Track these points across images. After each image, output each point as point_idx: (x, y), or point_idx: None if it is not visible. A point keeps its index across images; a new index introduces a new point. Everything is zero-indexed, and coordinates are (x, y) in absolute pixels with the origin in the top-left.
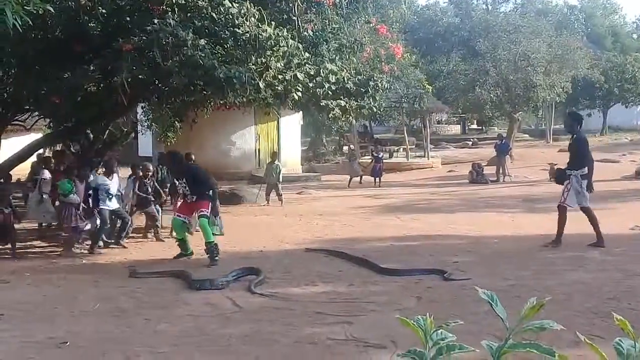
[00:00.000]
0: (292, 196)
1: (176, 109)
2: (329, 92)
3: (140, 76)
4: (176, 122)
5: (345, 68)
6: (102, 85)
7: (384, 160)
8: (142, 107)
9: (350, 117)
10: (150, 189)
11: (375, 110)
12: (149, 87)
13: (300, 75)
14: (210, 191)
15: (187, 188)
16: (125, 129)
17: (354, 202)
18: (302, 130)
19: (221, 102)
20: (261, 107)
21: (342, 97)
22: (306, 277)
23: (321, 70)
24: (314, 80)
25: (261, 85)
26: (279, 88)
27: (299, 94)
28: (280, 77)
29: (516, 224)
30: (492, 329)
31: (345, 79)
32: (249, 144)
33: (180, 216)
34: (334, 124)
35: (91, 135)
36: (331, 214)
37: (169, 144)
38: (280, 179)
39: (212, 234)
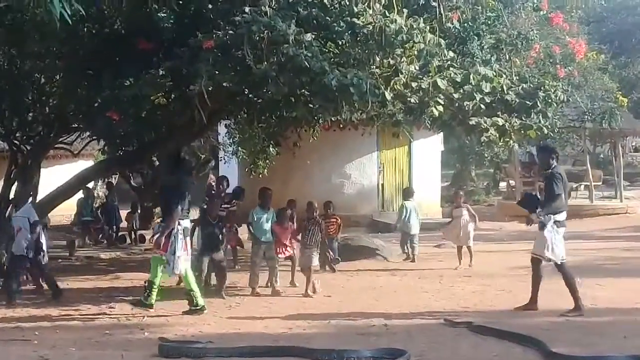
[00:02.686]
0: (428, 250)
1: (271, 129)
2: (482, 105)
3: (224, 84)
4: (270, 147)
5: (505, 73)
6: (173, 95)
7: None
8: (225, 126)
9: (511, 142)
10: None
11: (546, 131)
12: (236, 98)
13: (441, 83)
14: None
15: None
16: (203, 156)
17: (514, 260)
18: (443, 158)
19: (333, 119)
20: (387, 126)
21: (499, 112)
22: None
23: (471, 76)
24: (461, 90)
25: (388, 96)
26: (412, 100)
27: (440, 108)
28: (414, 85)
29: None
30: None
31: (505, 87)
32: (370, 177)
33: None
34: (488, 151)
35: (157, 164)
36: (483, 275)
37: (259, 175)
38: (411, 226)
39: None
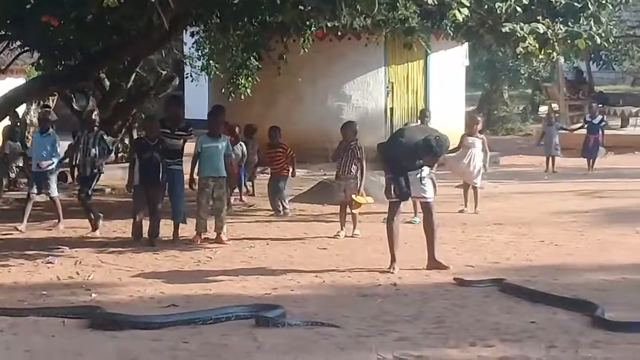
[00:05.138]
0: (448, 191)
1: (251, 38)
2: (518, 8)
3: None
4: (252, 60)
5: None
6: None
7: (612, 131)
8: (192, 35)
9: (554, 54)
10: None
11: (598, 41)
12: None
13: None
14: None
15: None
16: (164, 72)
17: (557, 203)
18: (468, 76)
19: (329, 25)
20: (398, 34)
21: (540, 17)
22: (472, 331)
23: None
24: None
25: None
26: (430, 1)
27: (465, 11)
28: None
29: None
30: None
31: None
32: (375, 99)
33: None
34: (525, 66)
35: (107, 82)
36: (517, 222)
37: (241, 96)
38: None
39: None
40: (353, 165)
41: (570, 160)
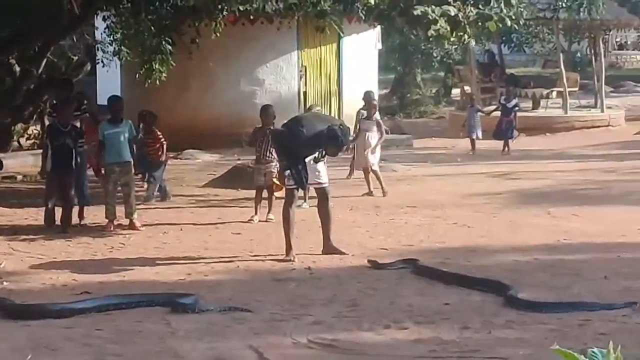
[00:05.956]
0: (361, 175)
1: (163, 22)
2: None
3: None
4: (165, 45)
5: None
6: None
7: (523, 113)
8: (104, 19)
9: (466, 37)
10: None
11: (509, 23)
12: None
13: None
14: None
15: None
16: (76, 57)
17: (470, 186)
18: (381, 60)
19: (241, 8)
20: (310, 18)
21: (451, 0)
22: (386, 314)
23: None
24: None
25: None
26: None
27: None
28: None
29: None
30: None
31: None
32: (288, 82)
33: None
34: (437, 49)
35: (17, 68)
36: (431, 205)
37: (156, 81)
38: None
39: None
40: (273, 149)
41: (483, 142)
